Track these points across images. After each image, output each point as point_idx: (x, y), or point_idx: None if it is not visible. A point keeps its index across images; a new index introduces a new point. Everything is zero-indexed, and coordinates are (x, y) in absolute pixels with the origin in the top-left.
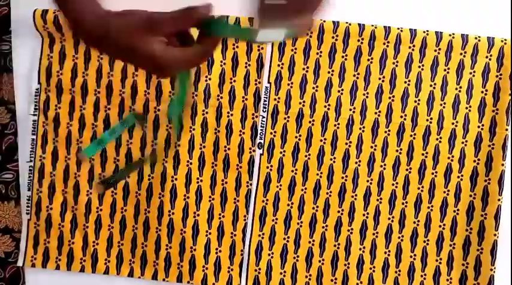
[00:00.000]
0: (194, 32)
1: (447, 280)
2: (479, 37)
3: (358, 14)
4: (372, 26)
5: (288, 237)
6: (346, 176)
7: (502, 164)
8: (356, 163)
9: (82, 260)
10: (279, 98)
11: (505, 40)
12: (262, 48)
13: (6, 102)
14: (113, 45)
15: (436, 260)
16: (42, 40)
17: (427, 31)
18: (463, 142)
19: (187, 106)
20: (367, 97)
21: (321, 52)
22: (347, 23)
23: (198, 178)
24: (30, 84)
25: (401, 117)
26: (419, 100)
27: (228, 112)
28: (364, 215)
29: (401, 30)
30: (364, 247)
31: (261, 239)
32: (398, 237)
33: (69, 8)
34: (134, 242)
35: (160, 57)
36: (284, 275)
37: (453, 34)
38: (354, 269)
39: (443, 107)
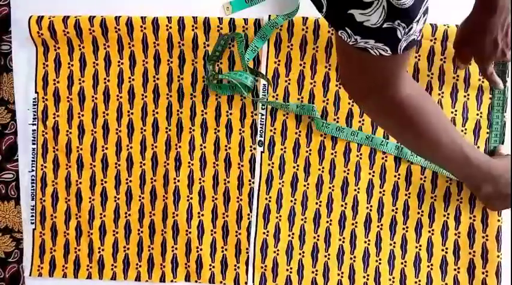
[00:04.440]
0: None
1: (454, 269)
2: None
3: None
4: None
5: (293, 233)
6: (348, 169)
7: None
8: (357, 156)
9: (88, 267)
10: (277, 95)
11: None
12: (257, 48)
13: (6, 102)
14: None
15: (442, 250)
16: (36, 49)
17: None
18: (462, 130)
19: None
20: None
21: (317, 47)
22: None
23: (200, 179)
24: (28, 93)
25: None
26: None
27: (227, 111)
28: (367, 207)
29: None
30: (369, 240)
31: (266, 236)
32: (403, 229)
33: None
34: (140, 245)
35: None
36: (290, 272)
37: (447, 25)
38: (360, 262)
39: (442, 97)
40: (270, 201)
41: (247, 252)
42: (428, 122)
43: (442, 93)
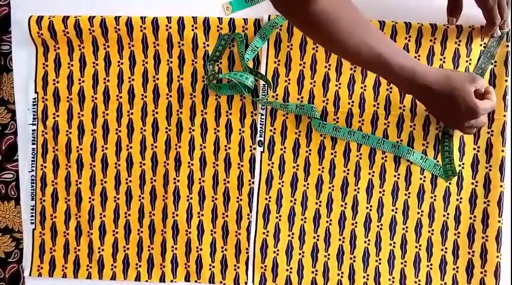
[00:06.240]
0: None
1: (453, 269)
2: (473, 26)
3: None
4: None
5: (293, 233)
6: (348, 169)
7: (502, 151)
8: (357, 156)
9: (88, 267)
10: (277, 95)
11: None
12: (257, 48)
13: (6, 102)
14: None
15: (442, 250)
16: (36, 49)
17: (422, 23)
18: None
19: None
20: (364, 90)
21: (317, 47)
22: None
23: (200, 179)
24: (28, 93)
25: (400, 108)
26: None
27: (227, 112)
28: (367, 207)
29: (396, 23)
30: (369, 240)
31: (266, 236)
32: (403, 229)
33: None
34: (140, 245)
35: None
36: (290, 272)
37: (447, 25)
38: (360, 262)
39: None
40: (269, 201)
41: (247, 252)
42: (341, 31)
43: None
